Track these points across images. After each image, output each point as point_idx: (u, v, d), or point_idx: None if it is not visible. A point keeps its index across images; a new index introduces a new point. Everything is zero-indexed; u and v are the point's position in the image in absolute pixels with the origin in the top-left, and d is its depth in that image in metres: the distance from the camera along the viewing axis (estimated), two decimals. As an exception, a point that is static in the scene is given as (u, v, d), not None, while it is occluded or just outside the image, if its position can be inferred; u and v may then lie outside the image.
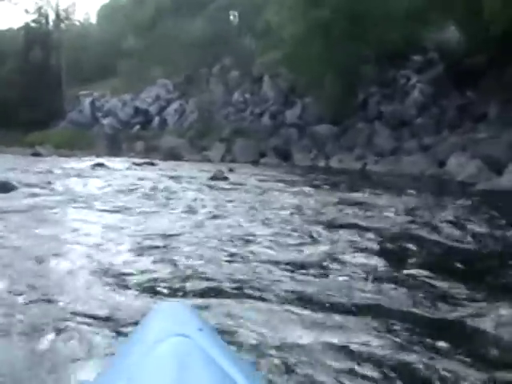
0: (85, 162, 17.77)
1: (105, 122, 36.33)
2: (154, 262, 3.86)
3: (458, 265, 4.13)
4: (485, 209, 7.00)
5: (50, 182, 9.15)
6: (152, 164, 18.03)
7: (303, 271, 3.66)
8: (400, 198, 8.33)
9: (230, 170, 13.97)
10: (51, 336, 2.30)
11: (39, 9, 51.86)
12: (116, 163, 18.16)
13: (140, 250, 4.27)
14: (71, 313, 2.62)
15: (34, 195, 7.15)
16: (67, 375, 2.04)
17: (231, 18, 39.18)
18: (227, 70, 33.84)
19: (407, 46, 22.27)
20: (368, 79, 23.12)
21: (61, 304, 2.76)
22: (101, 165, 16.14)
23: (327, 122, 22.81)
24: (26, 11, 51.10)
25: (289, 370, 2.12)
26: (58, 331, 2.26)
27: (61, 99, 42.73)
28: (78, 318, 2.54)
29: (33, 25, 51.24)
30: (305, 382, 2.05)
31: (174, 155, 24.56)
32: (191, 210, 6.35)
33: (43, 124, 38.33)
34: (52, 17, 52.17)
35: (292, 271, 3.63)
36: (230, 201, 7.28)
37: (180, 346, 0.96)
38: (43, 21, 52.01)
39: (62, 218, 5.50)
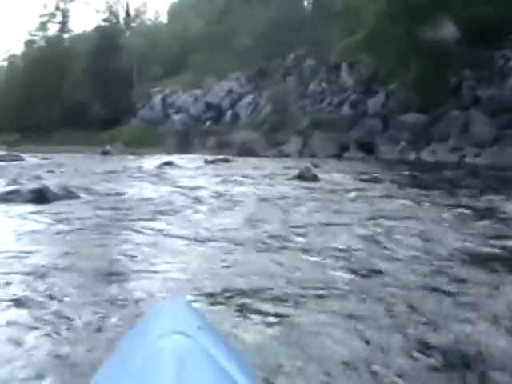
0: (153, 161, 16.50)
1: (176, 118, 35.41)
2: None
3: None
4: None
5: (106, 188, 7.66)
6: (226, 161, 16.50)
7: None
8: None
9: (315, 167, 12.21)
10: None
11: (109, 7, 51.92)
12: (187, 161, 16.81)
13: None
14: None
15: (77, 208, 5.59)
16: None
17: (305, 3, 37.25)
18: (302, 60, 32.00)
19: (504, 22, 19.81)
20: (460, 61, 20.70)
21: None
22: (170, 163, 14.72)
23: (415, 110, 20.60)
24: (97, 10, 51.31)
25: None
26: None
27: (132, 97, 42.34)
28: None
29: (103, 24, 51.35)
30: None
31: (248, 150, 23.05)
32: (292, 227, 4.62)
33: (115, 122, 38.06)
34: (122, 15, 52.16)
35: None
36: (335, 210, 5.50)
37: (179, 344, 0.94)
38: (114, 20, 52.07)
39: (104, 248, 3.87)
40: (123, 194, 7.17)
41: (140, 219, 5.00)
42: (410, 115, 20.48)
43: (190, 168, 13.82)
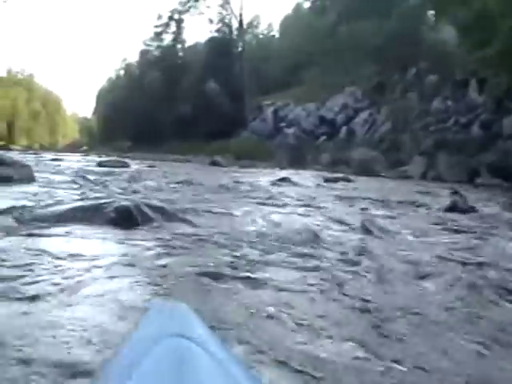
0: (267, 176, 15.43)
1: (288, 131, 34.44)
2: None
3: None
4: None
5: (215, 208, 6.37)
6: (347, 180, 15.16)
7: None
8: None
9: (456, 193, 10.64)
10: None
11: (222, 18, 52.19)
12: (303, 178, 15.61)
13: None
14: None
15: (174, 237, 4.23)
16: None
17: (428, 15, 35.21)
18: (424, 75, 30.08)
19: None
20: None
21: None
22: (286, 180, 13.54)
23: (560, 131, 18.33)
24: (210, 21, 51.74)
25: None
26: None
27: (243, 108, 42.02)
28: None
29: (216, 35, 51.73)
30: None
31: (365, 169, 21.60)
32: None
33: (225, 134, 37.73)
34: (235, 26, 52.34)
35: None
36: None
37: (178, 346, 0.93)
38: (226, 31, 52.30)
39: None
40: (239, 219, 5.86)
41: (267, 264, 3.69)
42: (556, 137, 18.25)
43: (310, 186, 12.57)
